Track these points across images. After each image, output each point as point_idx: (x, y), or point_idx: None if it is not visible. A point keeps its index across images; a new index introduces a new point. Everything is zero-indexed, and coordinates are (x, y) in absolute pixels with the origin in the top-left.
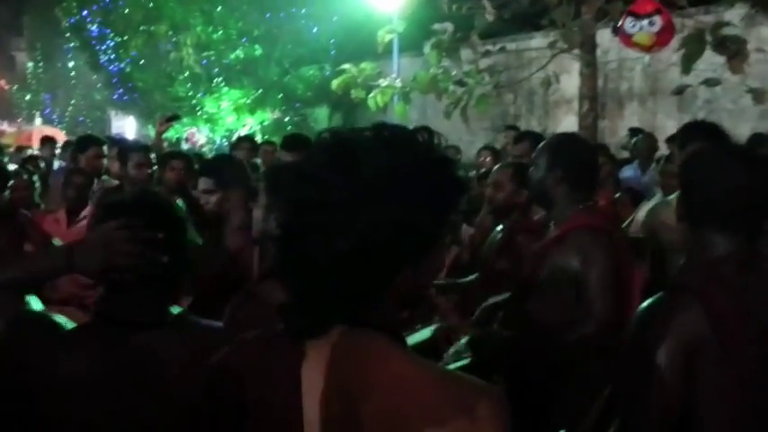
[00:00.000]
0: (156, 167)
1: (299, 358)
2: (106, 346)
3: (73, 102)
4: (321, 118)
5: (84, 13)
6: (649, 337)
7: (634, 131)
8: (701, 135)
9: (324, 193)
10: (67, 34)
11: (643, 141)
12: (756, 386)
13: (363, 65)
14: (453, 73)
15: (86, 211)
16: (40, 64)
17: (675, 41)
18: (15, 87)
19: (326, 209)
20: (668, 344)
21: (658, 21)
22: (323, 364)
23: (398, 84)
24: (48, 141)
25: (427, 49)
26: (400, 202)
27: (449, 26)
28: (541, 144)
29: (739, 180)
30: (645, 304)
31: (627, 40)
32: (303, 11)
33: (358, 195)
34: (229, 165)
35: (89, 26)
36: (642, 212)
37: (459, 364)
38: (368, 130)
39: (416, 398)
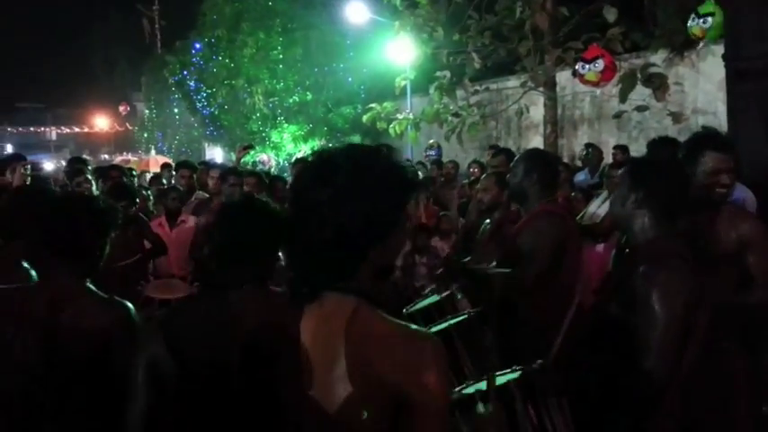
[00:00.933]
0: None
1: (300, 316)
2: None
3: (177, 137)
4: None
5: (184, 72)
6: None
7: (587, 146)
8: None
9: (312, 197)
10: (173, 88)
11: (592, 153)
12: None
13: (385, 104)
14: (451, 107)
15: (183, 216)
16: (154, 111)
17: (615, 78)
18: (136, 128)
19: (315, 208)
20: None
21: (601, 63)
22: (314, 321)
23: (411, 116)
24: (167, 166)
25: (431, 90)
26: (367, 199)
27: (447, 73)
28: (518, 157)
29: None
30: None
31: (581, 78)
32: (341, 65)
33: (336, 197)
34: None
35: (188, 82)
36: (593, 206)
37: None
38: (342, 148)
39: (380, 342)
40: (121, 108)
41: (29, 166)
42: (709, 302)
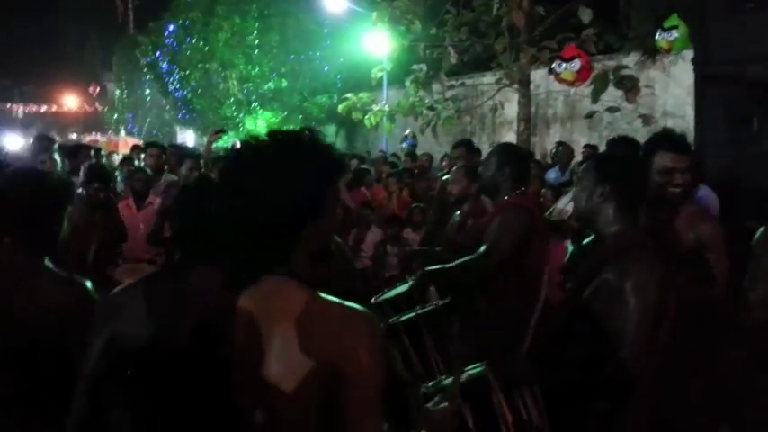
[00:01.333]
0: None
1: (236, 300)
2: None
3: (148, 119)
4: (330, 133)
5: (157, 54)
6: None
7: (558, 144)
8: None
9: (240, 182)
10: (145, 69)
11: (563, 152)
12: None
13: (361, 94)
14: (426, 101)
15: (150, 198)
16: (125, 91)
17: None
18: (106, 109)
19: (244, 193)
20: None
21: (578, 63)
22: (251, 304)
23: (386, 108)
24: (137, 148)
25: (408, 83)
26: (292, 180)
27: (423, 66)
28: (491, 150)
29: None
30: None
31: (557, 77)
32: (318, 54)
33: (263, 180)
34: None
35: (161, 64)
36: (561, 203)
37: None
38: (266, 133)
39: (314, 319)
40: (91, 88)
41: None
42: (676, 287)
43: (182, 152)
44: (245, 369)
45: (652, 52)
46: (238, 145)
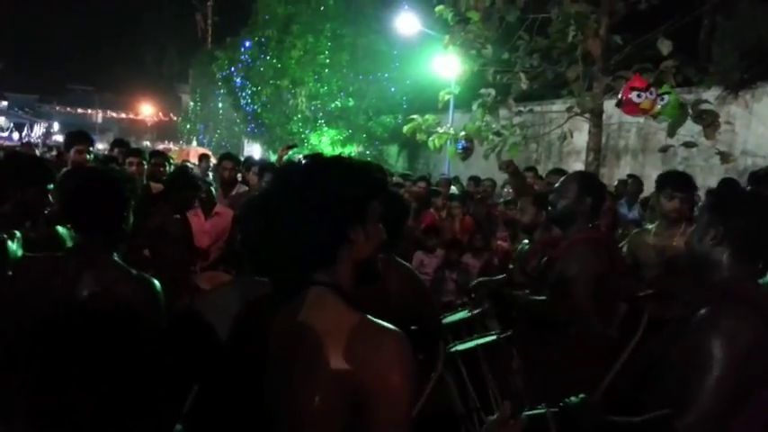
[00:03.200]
0: None
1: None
2: None
3: (218, 131)
4: (393, 153)
5: (232, 69)
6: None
7: (629, 176)
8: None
9: (305, 194)
10: (219, 83)
11: (632, 185)
12: None
13: (427, 116)
14: (493, 126)
15: (217, 208)
16: (198, 103)
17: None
18: (180, 119)
19: (307, 201)
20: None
21: (654, 92)
22: (290, 313)
23: (452, 131)
24: (204, 157)
25: (475, 107)
26: (343, 185)
27: (492, 91)
28: (566, 177)
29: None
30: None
31: (634, 108)
32: (386, 75)
33: (319, 188)
34: None
35: (235, 78)
36: None
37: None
38: (307, 158)
39: (345, 335)
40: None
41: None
42: None
43: (262, 165)
44: (274, 380)
45: (737, 84)
46: (301, 159)
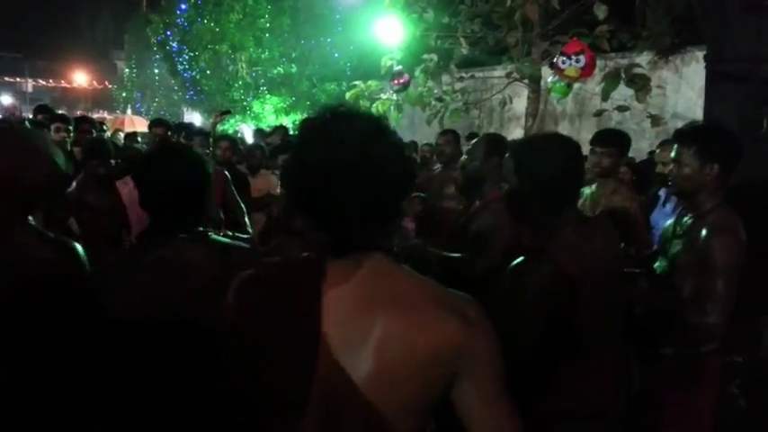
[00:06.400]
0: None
1: (321, 276)
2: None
3: (156, 99)
4: None
5: (168, 33)
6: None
7: None
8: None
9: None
10: (155, 48)
11: None
12: None
13: (370, 82)
14: (435, 92)
15: None
16: (134, 70)
17: (598, 76)
18: (115, 87)
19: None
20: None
21: (582, 59)
22: (344, 281)
23: (394, 98)
24: (131, 135)
25: (417, 72)
26: (397, 167)
27: (434, 56)
28: (478, 139)
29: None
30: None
31: (560, 72)
32: (329, 40)
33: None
34: None
35: (171, 43)
36: None
37: None
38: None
39: (418, 309)
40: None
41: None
42: None
43: (189, 129)
44: (332, 362)
45: (667, 49)
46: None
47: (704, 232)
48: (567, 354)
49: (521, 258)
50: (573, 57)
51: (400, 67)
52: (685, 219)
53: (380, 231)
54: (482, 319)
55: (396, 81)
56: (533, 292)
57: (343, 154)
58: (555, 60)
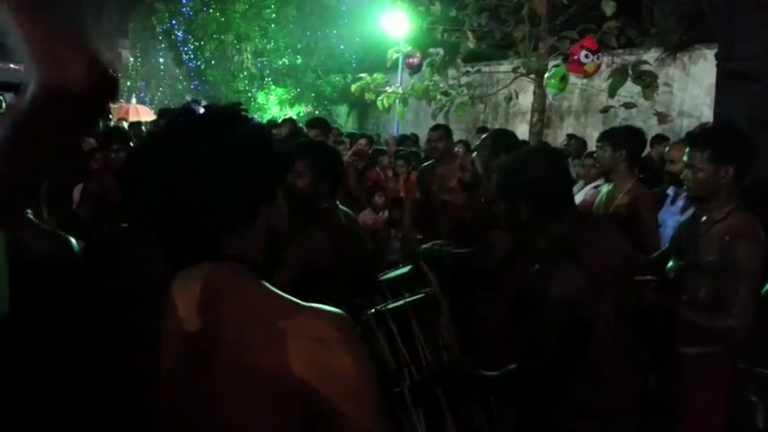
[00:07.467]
0: None
1: (175, 286)
2: None
3: (161, 89)
4: (342, 113)
5: (173, 22)
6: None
7: (570, 137)
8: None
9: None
10: (160, 38)
11: (574, 145)
12: None
13: (375, 75)
14: (441, 86)
15: None
16: (139, 59)
17: (605, 72)
18: (119, 75)
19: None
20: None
21: (600, 56)
22: (192, 292)
23: (400, 91)
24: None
25: (423, 66)
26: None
27: (440, 50)
28: (486, 135)
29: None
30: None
31: (578, 68)
32: (335, 32)
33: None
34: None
35: (176, 32)
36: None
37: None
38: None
39: (268, 327)
40: None
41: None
42: None
43: (161, 110)
44: (174, 388)
45: (675, 46)
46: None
47: (726, 237)
48: (591, 352)
49: (544, 260)
50: (596, 54)
51: (410, 48)
52: (703, 220)
53: (233, 241)
54: (346, 342)
55: (409, 61)
56: (560, 294)
57: (175, 168)
58: (576, 55)
